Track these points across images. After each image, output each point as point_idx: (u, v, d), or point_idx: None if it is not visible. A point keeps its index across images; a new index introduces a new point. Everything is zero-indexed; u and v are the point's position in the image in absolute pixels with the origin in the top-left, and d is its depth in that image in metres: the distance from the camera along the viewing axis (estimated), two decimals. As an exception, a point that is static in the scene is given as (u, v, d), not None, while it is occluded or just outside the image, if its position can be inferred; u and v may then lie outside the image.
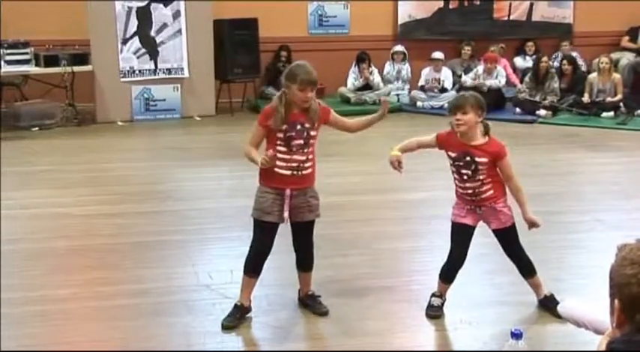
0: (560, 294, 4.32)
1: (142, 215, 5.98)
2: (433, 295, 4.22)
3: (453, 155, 4.04)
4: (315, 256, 4.20)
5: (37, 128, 9.26)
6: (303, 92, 3.78)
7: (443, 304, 4.19)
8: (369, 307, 4.33)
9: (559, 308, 3.25)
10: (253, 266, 4.03)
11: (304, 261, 4.21)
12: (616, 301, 1.73)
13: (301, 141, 3.89)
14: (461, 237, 4.10)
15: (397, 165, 4.17)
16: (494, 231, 4.12)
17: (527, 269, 4.19)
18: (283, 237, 5.36)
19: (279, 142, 3.88)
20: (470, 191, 4.03)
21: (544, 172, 7.36)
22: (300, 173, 3.93)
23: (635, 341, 1.67)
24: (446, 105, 10.51)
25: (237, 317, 4.01)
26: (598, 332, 2.39)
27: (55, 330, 4.06)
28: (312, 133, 3.91)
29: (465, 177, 4.01)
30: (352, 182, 6.98)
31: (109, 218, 5.89)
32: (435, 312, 4.15)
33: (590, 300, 3.38)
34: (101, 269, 4.86)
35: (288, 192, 3.91)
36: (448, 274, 4.19)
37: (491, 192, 4.03)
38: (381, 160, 7.82)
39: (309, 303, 4.24)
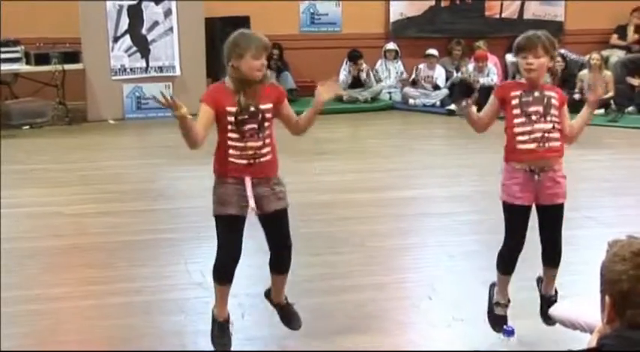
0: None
1: (133, 213, 5.97)
2: (497, 304, 3.73)
3: (517, 93, 3.52)
4: (292, 255, 3.70)
5: (27, 126, 9.23)
6: (258, 59, 3.37)
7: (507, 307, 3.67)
8: (361, 304, 4.34)
9: (551, 311, 3.24)
10: (224, 273, 3.57)
11: (277, 261, 3.68)
12: (607, 297, 1.75)
13: (255, 125, 3.44)
14: (517, 221, 3.59)
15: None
16: (546, 207, 3.60)
17: (558, 258, 3.73)
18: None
19: (230, 127, 3.42)
20: (539, 135, 3.49)
21: (535, 170, 7.38)
22: (257, 161, 3.47)
23: (625, 336, 1.69)
24: (438, 103, 10.62)
25: (228, 335, 3.66)
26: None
27: (47, 329, 4.05)
28: (268, 115, 3.47)
29: (535, 117, 3.47)
30: (344, 180, 6.98)
31: (101, 216, 5.88)
32: (500, 323, 3.64)
33: (581, 298, 3.40)
34: (93, 268, 4.85)
35: (248, 179, 3.46)
36: (508, 264, 3.71)
37: (559, 143, 3.57)
38: (373, 158, 7.89)
39: (282, 315, 3.84)
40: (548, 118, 3.48)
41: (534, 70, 3.44)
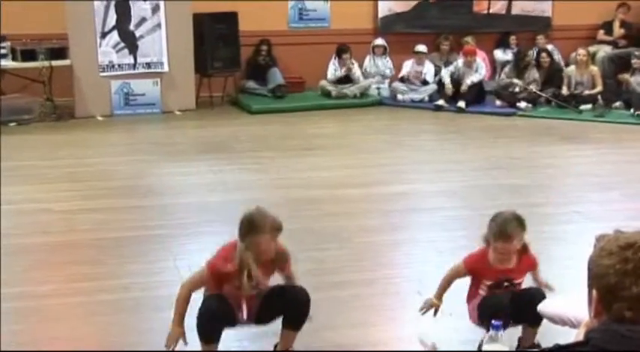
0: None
1: (122, 210, 5.96)
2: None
3: (488, 283, 3.67)
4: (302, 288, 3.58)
5: (14, 123, 9.18)
6: (274, 240, 3.33)
7: None
8: (349, 300, 4.35)
9: (540, 307, 3.26)
10: (210, 331, 3.42)
11: (294, 315, 3.53)
12: (594, 291, 1.76)
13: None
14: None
15: (435, 311, 3.75)
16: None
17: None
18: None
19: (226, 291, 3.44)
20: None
21: (523, 164, 7.42)
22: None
23: (612, 330, 1.70)
24: (426, 98, 10.64)
25: None
26: None
27: (36, 327, 4.04)
28: (267, 283, 3.51)
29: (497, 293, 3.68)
30: (333, 175, 6.99)
31: (89, 213, 5.86)
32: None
33: (569, 295, 3.42)
34: (81, 264, 4.85)
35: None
36: None
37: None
38: (362, 153, 7.90)
39: None
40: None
41: (507, 254, 3.58)
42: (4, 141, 8.35)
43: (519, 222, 3.58)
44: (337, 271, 4.74)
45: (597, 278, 1.74)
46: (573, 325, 2.91)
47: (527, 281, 3.76)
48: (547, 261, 4.97)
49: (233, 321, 3.47)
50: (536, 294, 3.59)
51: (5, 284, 4.47)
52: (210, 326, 3.39)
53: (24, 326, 4.01)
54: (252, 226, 3.29)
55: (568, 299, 3.14)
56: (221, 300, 3.41)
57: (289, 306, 3.52)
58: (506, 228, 3.52)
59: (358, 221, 5.71)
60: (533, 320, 3.57)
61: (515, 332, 3.70)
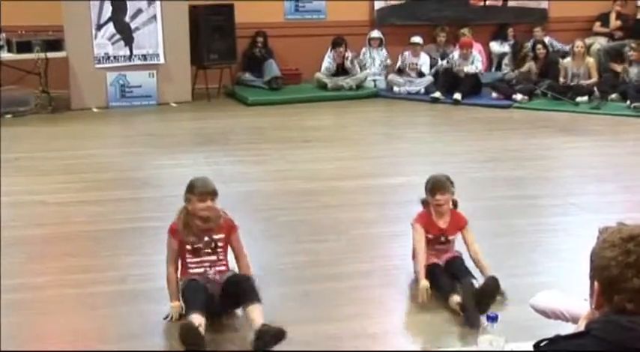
0: (536, 277, 4.39)
1: (118, 202, 5.94)
2: None
3: (430, 237, 4.31)
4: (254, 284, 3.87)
5: (10, 115, 9.16)
6: (202, 202, 3.93)
7: None
8: (346, 292, 4.35)
9: (531, 301, 3.26)
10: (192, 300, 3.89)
11: (241, 293, 3.86)
12: (595, 283, 1.76)
13: (209, 250, 4.00)
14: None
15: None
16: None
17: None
18: (258, 222, 5.40)
19: (188, 255, 4.00)
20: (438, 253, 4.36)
21: (519, 156, 7.42)
22: (212, 269, 4.00)
23: (612, 321, 1.71)
24: (422, 90, 10.64)
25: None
26: (575, 320, 2.42)
27: (32, 319, 4.03)
28: (220, 244, 4.02)
29: (437, 250, 4.35)
30: (330, 167, 6.98)
31: (85, 205, 5.85)
32: None
33: (563, 287, 3.42)
34: (78, 256, 4.84)
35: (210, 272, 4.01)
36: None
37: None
38: (358, 146, 7.89)
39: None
40: (447, 246, 4.37)
41: (444, 205, 4.31)
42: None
43: (448, 178, 4.36)
44: (334, 263, 4.74)
45: (599, 270, 1.74)
46: (566, 319, 2.91)
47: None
48: (543, 252, 4.99)
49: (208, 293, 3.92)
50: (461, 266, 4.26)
51: (1, 276, 4.46)
52: (192, 296, 3.86)
53: (20, 318, 4.00)
54: (189, 186, 4.00)
55: (559, 292, 3.14)
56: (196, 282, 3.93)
57: (234, 290, 3.89)
58: (439, 181, 4.32)
59: (355, 213, 5.71)
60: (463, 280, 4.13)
61: (511, 326, 3.70)
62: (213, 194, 3.97)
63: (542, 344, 1.78)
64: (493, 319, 2.80)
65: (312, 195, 6.08)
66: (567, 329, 1.93)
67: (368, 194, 6.19)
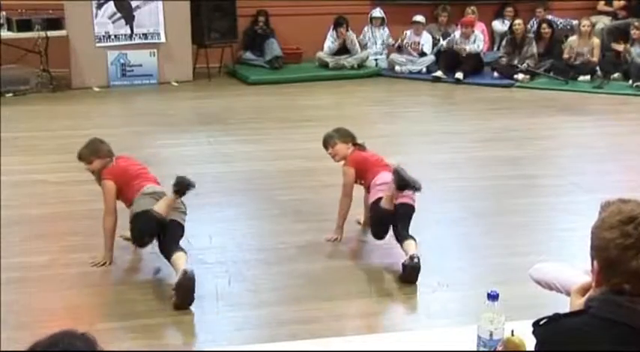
0: (536, 256, 4.37)
1: (119, 181, 5.92)
2: None
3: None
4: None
5: (11, 94, 9.13)
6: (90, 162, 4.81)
7: None
8: (348, 271, 4.36)
9: (530, 271, 3.27)
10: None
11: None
12: (595, 262, 1.76)
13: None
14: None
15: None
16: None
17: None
18: (259, 202, 5.38)
19: None
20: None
21: (521, 136, 7.40)
22: None
23: (610, 300, 1.72)
24: (424, 69, 10.60)
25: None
26: (569, 293, 2.43)
27: (33, 297, 4.05)
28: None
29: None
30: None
31: (86, 184, 5.80)
32: None
33: (565, 262, 3.42)
34: (78, 235, 4.84)
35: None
36: None
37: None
38: (360, 125, 7.85)
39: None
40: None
41: (336, 156, 4.97)
42: (1, 111, 8.31)
43: (331, 133, 5.08)
44: (334, 242, 4.74)
45: (598, 250, 1.74)
46: (559, 290, 2.92)
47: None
48: (545, 232, 5.00)
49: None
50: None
51: (3, 255, 4.47)
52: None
53: (21, 296, 4.02)
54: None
55: (560, 264, 3.15)
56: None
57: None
58: (322, 140, 5.04)
59: (355, 192, 5.69)
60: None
61: (512, 304, 3.71)
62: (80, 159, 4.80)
63: (541, 323, 1.78)
64: (494, 297, 2.80)
65: (312, 175, 6.07)
66: (567, 307, 1.93)
67: (369, 173, 6.16)
